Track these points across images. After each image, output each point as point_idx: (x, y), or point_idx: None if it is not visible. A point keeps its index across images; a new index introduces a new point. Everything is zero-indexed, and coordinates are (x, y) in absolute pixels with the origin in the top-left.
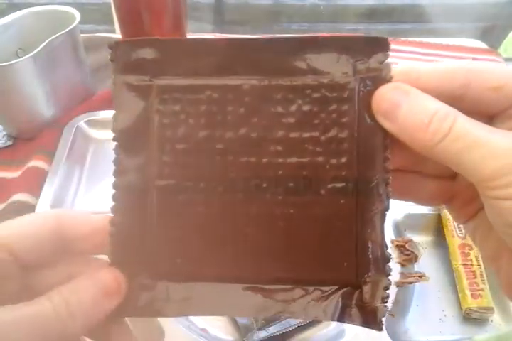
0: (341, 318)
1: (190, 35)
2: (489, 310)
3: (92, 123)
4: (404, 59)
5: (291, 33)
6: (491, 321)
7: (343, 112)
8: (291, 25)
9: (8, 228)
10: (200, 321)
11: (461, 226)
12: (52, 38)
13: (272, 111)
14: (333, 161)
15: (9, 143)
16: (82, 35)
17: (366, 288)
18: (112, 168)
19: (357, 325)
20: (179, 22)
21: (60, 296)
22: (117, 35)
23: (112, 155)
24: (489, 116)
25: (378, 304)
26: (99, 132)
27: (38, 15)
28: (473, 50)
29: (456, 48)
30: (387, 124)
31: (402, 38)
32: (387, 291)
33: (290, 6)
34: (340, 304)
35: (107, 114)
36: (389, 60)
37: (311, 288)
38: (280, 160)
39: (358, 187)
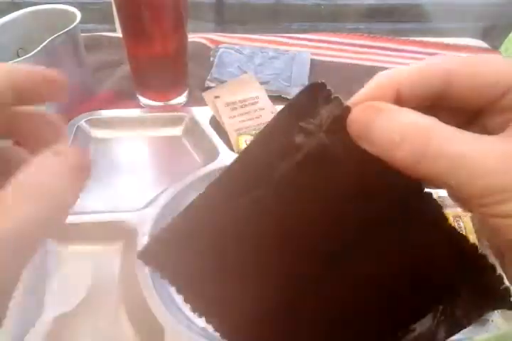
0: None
1: (190, 35)
2: None
3: (92, 123)
4: (405, 58)
5: (293, 32)
6: (492, 321)
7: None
8: (291, 24)
9: None
10: (200, 320)
11: (462, 225)
12: (53, 37)
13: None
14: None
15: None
16: (82, 34)
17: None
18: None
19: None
20: (180, 21)
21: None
22: (118, 34)
23: (112, 154)
24: (476, 109)
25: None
26: (99, 131)
27: (39, 14)
28: (474, 49)
29: (457, 48)
30: (366, 146)
31: (403, 38)
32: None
33: (291, 6)
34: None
35: (108, 114)
36: (333, 96)
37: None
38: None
39: None
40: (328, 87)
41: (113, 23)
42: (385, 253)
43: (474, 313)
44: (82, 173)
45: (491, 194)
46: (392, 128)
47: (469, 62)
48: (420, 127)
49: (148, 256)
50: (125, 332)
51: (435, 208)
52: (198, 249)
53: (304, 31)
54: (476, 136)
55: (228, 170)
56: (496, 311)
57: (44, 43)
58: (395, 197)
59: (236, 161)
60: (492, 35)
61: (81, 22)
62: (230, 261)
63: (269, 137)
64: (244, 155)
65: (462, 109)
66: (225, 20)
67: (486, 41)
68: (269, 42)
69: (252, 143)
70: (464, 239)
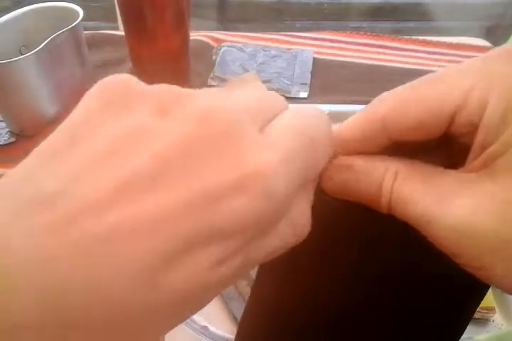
0: None
1: (193, 33)
2: (490, 310)
3: None
4: (408, 57)
5: (295, 30)
6: (493, 321)
7: None
8: (294, 23)
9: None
10: (200, 318)
11: None
12: (56, 35)
13: None
14: None
15: (12, 140)
16: (85, 32)
17: None
18: None
19: None
20: (182, 19)
21: None
22: (121, 32)
23: None
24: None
25: None
26: None
27: (41, 12)
28: (478, 48)
29: (460, 47)
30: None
31: (406, 37)
32: None
33: (293, 4)
34: None
35: None
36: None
37: None
38: None
39: None
40: None
41: (116, 21)
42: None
43: None
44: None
45: (469, 257)
46: (366, 182)
47: (401, 98)
48: (385, 177)
49: None
50: None
51: None
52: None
53: (307, 30)
54: (443, 180)
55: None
56: (497, 311)
57: (46, 41)
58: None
59: None
60: (495, 34)
61: (83, 20)
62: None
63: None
64: None
65: (427, 141)
66: (228, 18)
67: (489, 40)
68: (272, 40)
69: None
70: None
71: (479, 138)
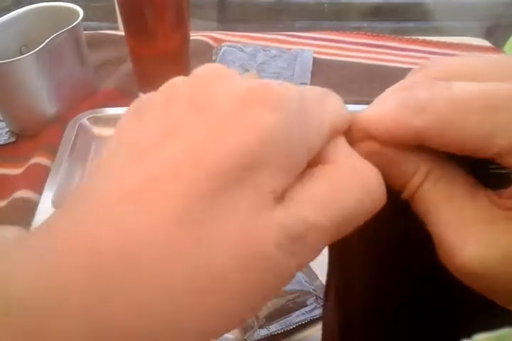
0: None
1: (193, 33)
2: None
3: (95, 121)
4: (408, 57)
5: (295, 30)
6: None
7: None
8: (294, 22)
9: None
10: None
11: None
12: (56, 34)
13: None
14: None
15: (12, 139)
16: (85, 32)
17: None
18: None
19: None
20: (182, 19)
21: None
22: (120, 32)
23: None
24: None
25: None
26: (102, 129)
27: (42, 12)
28: (478, 48)
29: (461, 47)
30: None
31: (406, 37)
32: None
33: (293, 4)
34: None
35: (110, 111)
36: None
37: None
38: None
39: None
40: None
41: (116, 21)
42: None
43: None
44: None
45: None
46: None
47: (442, 119)
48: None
49: None
50: None
51: None
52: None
53: (307, 30)
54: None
55: None
56: None
57: (47, 41)
58: None
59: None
60: (496, 34)
61: (84, 20)
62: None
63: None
64: None
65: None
66: (228, 18)
67: (489, 40)
68: (272, 40)
69: None
70: None
71: None
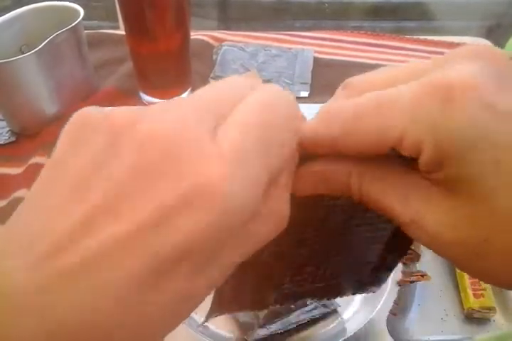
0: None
1: (193, 32)
2: (491, 309)
3: None
4: (408, 57)
5: (296, 30)
6: (493, 321)
7: None
8: (295, 22)
9: None
10: (200, 318)
11: None
12: (56, 34)
13: None
14: None
15: (12, 139)
16: (85, 31)
17: None
18: None
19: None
20: (183, 19)
21: None
22: (121, 31)
23: None
24: None
25: None
26: None
27: (42, 11)
28: None
29: (461, 46)
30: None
31: (407, 36)
32: None
33: (294, 3)
34: None
35: None
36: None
37: None
38: None
39: None
40: None
41: (116, 20)
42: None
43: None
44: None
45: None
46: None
47: (346, 126)
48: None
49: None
50: None
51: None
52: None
53: (308, 29)
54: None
55: None
56: (497, 311)
57: (47, 40)
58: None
59: None
60: (497, 33)
61: (84, 19)
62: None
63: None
64: None
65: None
66: (228, 17)
67: (490, 40)
68: (272, 40)
69: None
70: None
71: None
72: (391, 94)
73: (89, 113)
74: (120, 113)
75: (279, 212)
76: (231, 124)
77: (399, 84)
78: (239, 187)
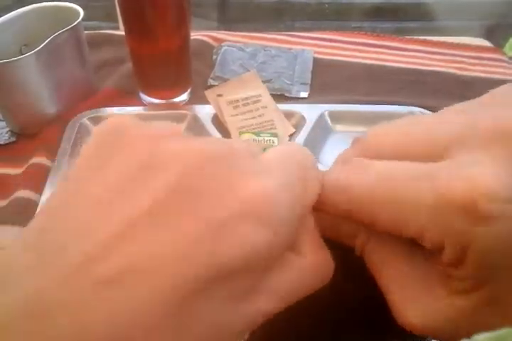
0: None
1: (193, 33)
2: None
3: (95, 120)
4: (408, 57)
5: (296, 30)
6: None
7: None
8: (295, 22)
9: None
10: None
11: None
12: (56, 34)
13: None
14: None
15: (12, 139)
16: (85, 31)
17: None
18: None
19: None
20: (183, 19)
21: None
22: (121, 32)
23: None
24: None
25: None
26: None
27: (42, 11)
28: (478, 48)
29: (461, 47)
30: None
31: (407, 36)
32: None
33: (294, 4)
34: None
35: (110, 111)
36: None
37: None
38: None
39: None
40: None
41: (116, 20)
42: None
43: None
44: None
45: None
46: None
47: (364, 200)
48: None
49: None
50: None
51: None
52: None
53: (307, 29)
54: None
55: None
56: None
57: (47, 40)
58: None
59: None
60: (496, 33)
61: (84, 19)
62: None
63: None
64: None
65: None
66: (228, 18)
67: (490, 40)
68: (272, 40)
69: None
70: None
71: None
72: (411, 188)
73: (125, 121)
74: (162, 125)
75: (319, 258)
76: (269, 155)
77: (410, 158)
78: (285, 206)
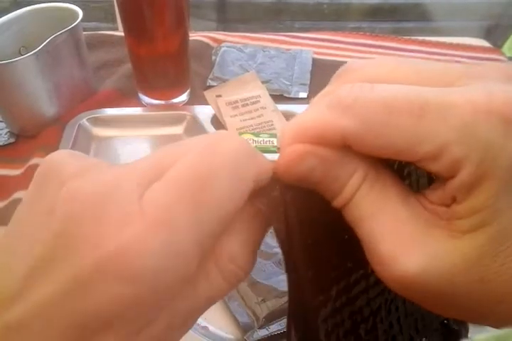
0: None
1: (192, 34)
2: None
3: (94, 121)
4: (407, 58)
5: (294, 31)
6: None
7: None
8: (294, 23)
9: None
10: (200, 319)
11: None
12: (55, 35)
13: None
14: None
15: (12, 140)
16: (84, 32)
17: None
18: None
19: None
20: (182, 20)
21: None
22: (120, 32)
23: (114, 153)
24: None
25: None
26: (101, 130)
27: (41, 12)
28: (477, 48)
29: (460, 47)
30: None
31: (406, 37)
32: None
33: (293, 4)
34: None
35: (110, 112)
36: None
37: None
38: None
39: None
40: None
41: (115, 21)
42: None
43: None
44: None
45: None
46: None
47: (370, 121)
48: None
49: None
50: None
51: None
52: None
53: (306, 30)
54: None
55: None
56: None
57: (46, 41)
58: None
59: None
60: (495, 34)
61: (83, 20)
62: None
63: None
64: None
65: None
66: (227, 18)
67: (488, 40)
68: (271, 40)
69: None
70: None
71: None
72: (441, 98)
73: (52, 160)
74: (70, 166)
75: (229, 262)
76: (160, 182)
77: (427, 84)
78: (160, 249)
